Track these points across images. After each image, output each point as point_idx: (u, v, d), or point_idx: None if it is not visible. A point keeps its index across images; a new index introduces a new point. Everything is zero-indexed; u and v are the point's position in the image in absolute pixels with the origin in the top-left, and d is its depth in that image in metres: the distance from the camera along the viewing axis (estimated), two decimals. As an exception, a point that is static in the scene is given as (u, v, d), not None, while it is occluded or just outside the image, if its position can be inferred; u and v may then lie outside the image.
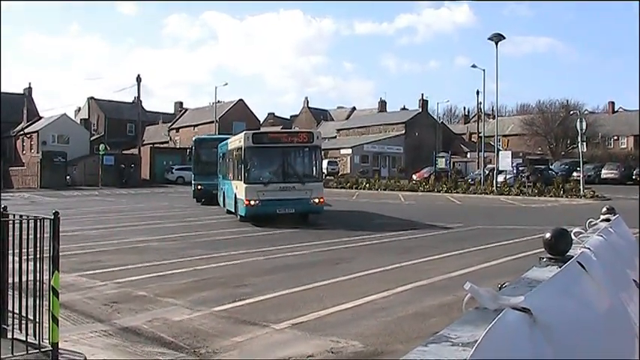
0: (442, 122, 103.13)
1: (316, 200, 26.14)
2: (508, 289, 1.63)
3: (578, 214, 5.49)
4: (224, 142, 34.07)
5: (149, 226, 26.76)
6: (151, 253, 18.64)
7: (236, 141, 28.62)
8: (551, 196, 42.71)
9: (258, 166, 26.26)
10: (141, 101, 78.75)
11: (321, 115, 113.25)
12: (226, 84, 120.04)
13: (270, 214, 25.46)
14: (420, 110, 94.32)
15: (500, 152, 53.63)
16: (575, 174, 54.25)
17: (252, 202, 25.39)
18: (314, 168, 27.07)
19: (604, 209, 4.16)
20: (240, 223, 26.91)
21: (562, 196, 42.43)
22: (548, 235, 2.27)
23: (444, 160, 66.74)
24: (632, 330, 2.32)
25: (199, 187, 39.19)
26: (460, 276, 13.77)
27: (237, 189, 27.40)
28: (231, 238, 22.29)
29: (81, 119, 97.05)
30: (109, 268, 15.70)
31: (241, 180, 26.01)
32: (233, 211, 28.71)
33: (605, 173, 64.39)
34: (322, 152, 28.15)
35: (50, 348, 7.95)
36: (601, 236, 2.97)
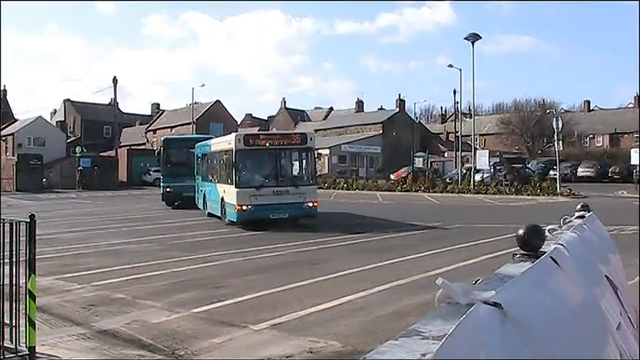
0: (419, 122, 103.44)
1: (310, 204, 25.36)
2: (481, 285, 1.65)
3: (555, 211, 5.53)
4: (204, 142, 33.60)
5: (127, 228, 26.62)
6: (128, 255, 18.55)
7: (224, 142, 27.77)
8: (528, 195, 43.02)
9: (249, 169, 25.58)
10: (117, 103, 78.35)
11: (298, 116, 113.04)
12: (203, 85, 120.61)
13: (263, 219, 24.59)
14: (398, 110, 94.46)
15: (477, 151, 53.90)
16: (551, 172, 54.62)
17: (245, 207, 24.57)
18: (308, 171, 26.57)
19: (578, 207, 4.20)
20: (218, 224, 26.84)
21: (539, 195, 42.75)
22: (521, 231, 2.29)
23: (421, 159, 66.93)
24: (604, 323, 2.34)
25: (168, 189, 37.67)
26: (439, 274, 13.76)
27: (224, 192, 26.57)
28: (209, 239, 22.24)
29: (57, 121, 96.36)
30: (87, 271, 15.62)
31: (231, 183, 25.15)
32: (218, 214, 27.90)
33: (582, 171, 64.98)
34: (315, 154, 27.41)
35: (27, 352, 7.91)
36: (575, 233, 3.00)
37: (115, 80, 71.33)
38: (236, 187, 24.70)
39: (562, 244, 2.46)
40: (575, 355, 1.71)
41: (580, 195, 40.73)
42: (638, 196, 43.01)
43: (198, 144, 35.24)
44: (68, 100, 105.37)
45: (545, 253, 2.18)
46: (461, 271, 14.32)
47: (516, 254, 2.27)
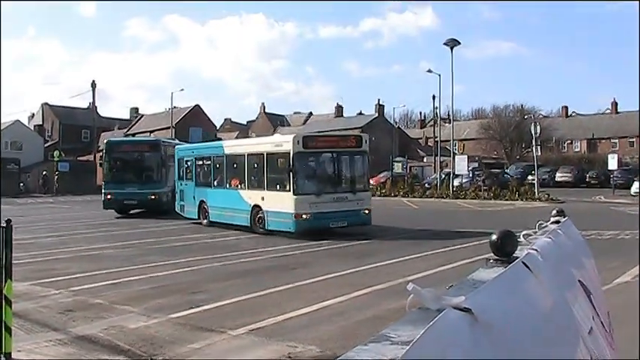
0: (399, 127, 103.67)
1: (366, 211, 24.13)
2: (453, 290, 1.66)
3: (533, 216, 5.60)
4: (203, 144, 32.88)
5: (104, 233, 26.49)
6: (106, 260, 18.46)
7: (267, 144, 25.70)
8: (506, 200, 43.27)
9: (308, 174, 23.81)
10: (96, 107, 78.09)
11: (278, 121, 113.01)
12: (182, 89, 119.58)
13: (322, 228, 23.05)
14: (377, 115, 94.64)
15: (456, 156, 54.17)
16: (530, 177, 55.02)
17: (304, 216, 22.76)
18: (363, 175, 25.20)
19: (554, 212, 4.23)
20: (196, 229, 26.81)
21: (517, 199, 43.01)
22: (494, 237, 2.30)
23: (400, 164, 66.98)
24: (575, 327, 2.37)
25: (109, 196, 34.85)
26: (418, 279, 13.85)
27: (264, 200, 24.27)
28: (187, 244, 22.18)
29: (35, 125, 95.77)
30: (64, 276, 15.52)
31: (285, 190, 23.10)
32: (231, 223, 26.20)
33: (560, 176, 65.50)
34: (369, 158, 25.63)
35: (3, 358, 7.85)
36: (549, 238, 3.02)
37: (93, 84, 71.20)
38: (294, 193, 22.80)
39: (536, 249, 2.48)
40: (544, 357, 1.73)
41: (558, 200, 41.00)
42: (615, 201, 43.46)
43: (186, 146, 34.46)
44: (46, 103, 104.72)
45: (518, 258, 2.20)
46: (438, 276, 14.35)
47: (490, 259, 2.29)
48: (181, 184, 31.68)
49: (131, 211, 35.40)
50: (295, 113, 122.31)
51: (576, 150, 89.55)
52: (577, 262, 3.44)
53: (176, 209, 32.05)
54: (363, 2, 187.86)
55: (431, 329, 1.21)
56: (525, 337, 1.67)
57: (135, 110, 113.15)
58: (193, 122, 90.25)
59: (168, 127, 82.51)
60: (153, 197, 34.63)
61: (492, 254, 2.29)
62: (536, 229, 3.40)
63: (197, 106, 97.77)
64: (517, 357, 1.53)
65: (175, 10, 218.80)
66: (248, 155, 26.29)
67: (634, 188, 50.09)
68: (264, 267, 16.95)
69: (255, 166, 25.87)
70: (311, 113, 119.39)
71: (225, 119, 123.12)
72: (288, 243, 21.39)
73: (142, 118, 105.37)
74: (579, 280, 3.09)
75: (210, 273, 16.02)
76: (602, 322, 3.28)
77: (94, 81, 70.89)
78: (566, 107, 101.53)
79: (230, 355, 8.98)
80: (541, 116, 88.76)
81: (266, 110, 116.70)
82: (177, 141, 53.31)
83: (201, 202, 29.23)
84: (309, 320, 10.74)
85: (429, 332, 1.19)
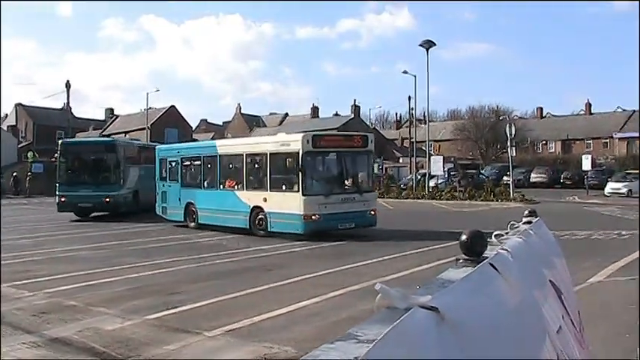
0: (375, 128, 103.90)
1: (372, 212, 23.93)
2: (421, 290, 1.69)
3: (508, 216, 5.68)
4: (190, 143, 32.29)
5: (80, 234, 26.32)
6: (81, 261, 18.35)
7: (271, 143, 24.83)
8: (482, 200, 43.46)
9: (317, 174, 23.38)
10: (71, 108, 77.42)
11: (254, 122, 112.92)
12: (158, 90, 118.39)
13: (330, 230, 22.78)
14: (353, 116, 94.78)
15: (432, 157, 54.39)
16: (505, 178, 55.29)
17: (314, 217, 22.31)
18: (370, 176, 25.12)
19: (526, 212, 4.28)
20: (172, 230, 26.73)
21: (493, 200, 43.21)
22: (464, 237, 2.34)
23: (376, 165, 67.02)
24: (542, 326, 2.41)
25: (63, 198, 33.75)
26: (394, 280, 13.94)
27: (266, 201, 23.68)
28: (163, 245, 22.11)
29: (8, 126, 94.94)
30: (39, 278, 15.42)
31: (294, 190, 22.62)
32: (226, 225, 25.40)
33: (535, 177, 66.04)
34: (374, 158, 25.18)
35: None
36: (520, 238, 3.06)
37: (68, 85, 70.46)
38: (303, 194, 22.30)
39: (506, 249, 2.52)
40: (510, 356, 1.76)
41: (533, 200, 41.29)
42: (589, 201, 43.83)
43: (170, 146, 33.67)
44: (20, 104, 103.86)
45: (488, 257, 2.24)
46: (414, 277, 14.42)
47: (459, 259, 2.32)
48: (163, 186, 30.52)
49: (91, 215, 34.48)
50: (271, 114, 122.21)
51: (551, 151, 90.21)
52: (548, 261, 3.48)
53: (157, 212, 30.99)
54: (341, 3, 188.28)
55: (396, 328, 1.24)
56: (491, 336, 1.70)
57: (110, 111, 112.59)
58: (169, 123, 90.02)
59: (144, 128, 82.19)
60: (108, 200, 33.50)
61: (462, 254, 2.32)
62: (508, 229, 3.45)
63: (173, 106, 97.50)
64: (482, 355, 1.56)
65: (152, 10, 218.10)
66: (247, 155, 25.57)
67: (608, 189, 50.67)
68: (240, 268, 16.94)
69: (256, 166, 25.29)
70: (287, 114, 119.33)
71: (201, 120, 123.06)
72: (263, 244, 21.37)
73: (117, 119, 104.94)
74: (550, 280, 3.13)
75: (186, 274, 15.99)
76: (572, 322, 3.33)
77: (68, 81, 70.05)
78: (541, 108, 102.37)
79: (206, 356, 8.98)
80: (516, 117, 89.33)
81: (242, 111, 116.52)
82: (142, 141, 52.49)
83: (189, 204, 28.34)
84: (285, 321, 10.76)
85: (394, 330, 1.22)
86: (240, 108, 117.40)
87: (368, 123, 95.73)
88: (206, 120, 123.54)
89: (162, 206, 30.63)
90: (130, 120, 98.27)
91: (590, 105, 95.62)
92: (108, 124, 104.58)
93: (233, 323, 10.47)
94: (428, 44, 49.74)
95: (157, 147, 33.29)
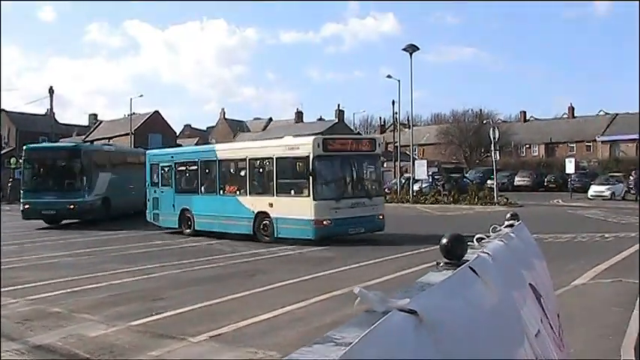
0: (359, 132, 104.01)
1: (381, 217, 23.69)
2: (401, 293, 1.70)
3: (492, 220, 5.67)
4: (186, 148, 31.89)
5: (63, 240, 26.20)
6: (65, 268, 18.27)
7: (277, 147, 24.17)
8: (466, 204, 43.60)
9: (327, 178, 22.84)
10: (54, 113, 77.12)
11: (237, 127, 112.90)
12: (142, 95, 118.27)
13: (341, 235, 22.47)
14: (337, 120, 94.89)
15: (416, 161, 54.49)
16: (489, 182, 55.54)
17: (325, 222, 21.93)
18: (377, 180, 24.84)
19: (508, 216, 4.30)
20: (154, 236, 26.61)
21: (477, 204, 43.35)
22: (444, 240, 2.35)
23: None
24: (520, 329, 2.42)
25: (27, 205, 32.78)
26: (377, 284, 13.94)
27: (272, 207, 23.19)
28: (146, 251, 22.07)
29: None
30: (21, 285, 15.32)
31: (304, 195, 22.20)
32: (226, 231, 24.92)
33: (518, 181, 66.36)
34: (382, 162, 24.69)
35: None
36: (502, 241, 3.08)
37: (51, 90, 70.16)
38: (314, 199, 21.91)
39: (487, 253, 2.53)
40: (486, 358, 1.78)
41: (517, 204, 41.42)
42: (572, 204, 44.05)
43: (162, 151, 32.98)
44: (2, 110, 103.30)
45: (468, 261, 2.25)
46: (397, 281, 14.42)
47: (440, 263, 2.33)
48: (155, 192, 29.72)
49: (61, 222, 33.77)
50: (255, 119, 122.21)
51: (534, 154, 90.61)
52: (528, 265, 3.51)
53: (148, 219, 30.20)
54: (325, 8, 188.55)
55: (373, 330, 1.25)
56: (469, 338, 1.71)
57: (94, 116, 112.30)
58: (153, 128, 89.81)
59: (128, 134, 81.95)
60: (72, 207, 32.47)
61: (443, 258, 2.33)
62: (490, 233, 3.46)
63: (156, 112, 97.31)
64: (459, 357, 1.58)
65: (136, 15, 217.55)
66: (250, 159, 24.89)
67: (591, 192, 50.98)
68: (224, 274, 16.93)
69: (260, 170, 24.86)
70: (271, 119, 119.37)
71: (185, 125, 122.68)
72: (246, 250, 21.37)
73: (101, 125, 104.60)
74: (530, 283, 3.15)
75: (170, 280, 15.95)
76: (551, 325, 3.35)
77: (51, 87, 69.72)
78: (524, 112, 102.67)
79: (190, 362, 8.97)
80: (500, 121, 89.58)
81: (226, 116, 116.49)
82: (116, 146, 51.71)
83: (184, 210, 27.64)
84: (269, 326, 10.75)
85: (371, 333, 1.23)
86: (224, 113, 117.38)
87: (352, 127, 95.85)
88: (190, 125, 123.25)
89: (154, 213, 29.78)
90: (113, 125, 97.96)
91: (573, 108, 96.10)
92: (91, 129, 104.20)
93: (217, 329, 10.45)
94: (411, 49, 49.89)
95: (147, 152, 32.58)
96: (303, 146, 22.61)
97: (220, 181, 26.35)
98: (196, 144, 72.74)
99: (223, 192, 25.94)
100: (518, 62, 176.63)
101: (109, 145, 52.36)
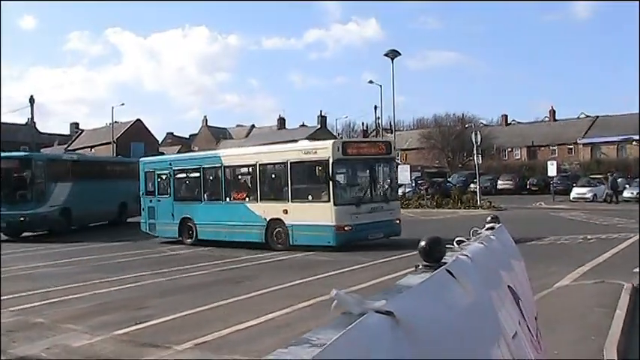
0: (341, 138, 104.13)
1: (398, 221, 23.33)
2: (379, 295, 1.72)
3: (475, 223, 5.67)
4: (185, 155, 31.18)
5: (44, 250, 26.03)
6: (47, 278, 18.16)
7: (292, 151, 23.61)
8: (449, 208, 43.69)
9: (347, 182, 22.74)
10: (35, 123, 76.73)
11: (220, 134, 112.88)
12: (123, 104, 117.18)
13: (361, 240, 22.10)
14: (319, 126, 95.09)
15: (399, 166, 54.53)
16: (472, 185, 55.82)
17: (346, 228, 21.51)
18: (393, 184, 24.40)
19: (489, 218, 4.33)
20: (139, 245, 26.48)
21: (460, 208, 43.47)
22: (422, 243, 2.37)
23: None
24: (498, 332, 2.45)
25: None
26: (363, 289, 13.94)
27: (288, 213, 22.65)
28: (130, 260, 21.98)
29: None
30: (4, 295, 15.12)
31: (325, 201, 21.64)
32: (231, 239, 24.14)
33: (501, 184, 66.69)
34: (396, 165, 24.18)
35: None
36: (481, 243, 3.11)
37: (31, 99, 69.84)
38: (335, 204, 21.47)
39: (466, 255, 2.56)
40: (461, 358, 1.80)
41: (500, 207, 41.56)
42: (555, 207, 44.29)
43: (158, 158, 32.53)
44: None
45: (446, 263, 2.28)
46: (382, 286, 14.42)
47: (419, 265, 2.36)
48: (151, 201, 28.58)
49: (21, 235, 32.31)
50: (238, 126, 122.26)
51: (517, 157, 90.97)
52: (507, 267, 3.54)
53: (142, 229, 29.18)
54: (307, 13, 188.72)
55: (349, 331, 1.27)
56: (444, 339, 1.74)
57: (75, 125, 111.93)
58: (135, 137, 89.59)
59: (109, 143, 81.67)
60: (23, 219, 31.11)
61: (422, 260, 2.36)
62: (470, 236, 3.49)
63: (138, 120, 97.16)
64: (435, 357, 1.60)
65: (118, 23, 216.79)
66: (260, 165, 24.14)
67: (573, 194, 51.27)
68: (209, 281, 16.90)
69: (273, 176, 24.35)
70: (253, 126, 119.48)
71: (168, 133, 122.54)
72: (230, 257, 21.36)
73: (83, 134, 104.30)
74: (509, 285, 3.18)
75: (155, 288, 15.91)
76: (528, 327, 3.38)
77: (32, 96, 69.43)
78: (506, 116, 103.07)
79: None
80: (481, 125, 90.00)
81: (208, 123, 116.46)
82: (80, 155, 50.56)
83: (185, 219, 26.72)
84: (254, 333, 10.74)
85: (347, 334, 1.25)
86: (206, 120, 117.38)
87: (334, 133, 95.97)
88: (172, 133, 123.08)
89: (150, 223, 28.77)
90: (95, 134, 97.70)
91: (554, 112, 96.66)
92: (73, 138, 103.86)
93: (202, 336, 10.44)
94: (393, 54, 49.91)
95: (140, 160, 31.18)
96: (321, 150, 22.19)
97: (226, 188, 25.58)
98: (179, 152, 72.70)
99: (230, 199, 25.23)
100: (499, 66, 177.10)
101: (71, 153, 50.81)
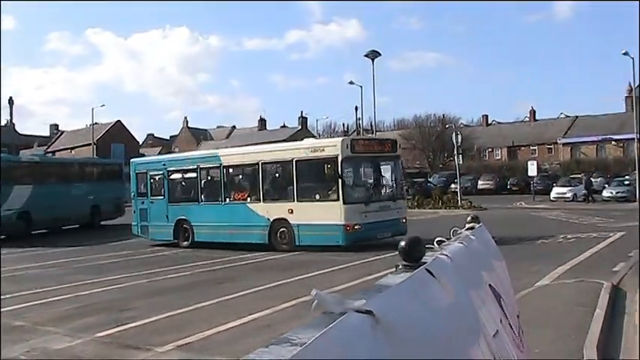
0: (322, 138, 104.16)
1: (404, 220, 23.04)
2: (359, 295, 1.74)
3: (456, 223, 5.69)
4: (181, 155, 30.56)
5: (26, 252, 25.91)
6: (29, 280, 18.08)
7: (297, 150, 23.03)
8: (430, 208, 43.84)
9: (355, 181, 22.30)
10: (14, 124, 76.33)
11: (201, 135, 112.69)
12: (103, 105, 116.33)
13: (370, 239, 21.68)
14: (300, 127, 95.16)
15: (380, 167, 54.60)
16: (453, 186, 56.00)
17: (356, 227, 21.21)
18: (399, 182, 23.92)
19: (469, 218, 4.37)
20: (120, 246, 26.41)
21: (441, 208, 43.66)
22: (402, 243, 2.40)
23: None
24: (478, 330, 2.48)
25: None
26: (345, 289, 13.96)
27: (293, 213, 22.24)
28: (113, 262, 21.91)
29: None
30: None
31: (334, 199, 21.27)
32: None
33: (482, 184, 67.01)
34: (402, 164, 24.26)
35: None
36: (462, 243, 3.14)
37: (10, 100, 69.47)
38: (345, 202, 21.09)
39: (446, 255, 2.59)
40: (441, 357, 1.83)
41: (480, 207, 41.76)
42: (535, 206, 44.53)
43: (152, 159, 32.16)
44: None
45: (426, 263, 2.31)
46: (364, 286, 14.44)
47: (399, 265, 2.38)
48: (143, 202, 27.76)
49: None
50: (218, 127, 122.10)
51: (497, 158, 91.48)
52: (488, 266, 3.57)
53: (134, 231, 28.37)
54: (289, 13, 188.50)
55: (329, 330, 1.29)
56: (424, 338, 1.77)
57: (55, 127, 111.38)
58: (115, 138, 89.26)
59: (90, 144, 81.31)
60: None
61: (401, 260, 2.38)
62: (451, 236, 3.53)
63: (119, 121, 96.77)
64: (415, 356, 1.63)
65: (98, 23, 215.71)
66: (263, 164, 23.57)
67: (553, 194, 51.59)
68: (191, 282, 16.87)
69: (276, 175, 23.86)
70: (234, 127, 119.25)
71: (148, 135, 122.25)
72: (213, 258, 21.31)
73: (63, 135, 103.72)
74: (489, 284, 3.22)
75: (137, 290, 15.86)
76: (510, 325, 3.42)
77: (11, 97, 69.17)
78: (486, 116, 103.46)
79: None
80: (462, 125, 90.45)
81: (189, 124, 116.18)
82: (43, 157, 48.72)
83: (180, 220, 26.01)
84: (236, 334, 10.73)
85: (326, 333, 1.28)
86: (187, 122, 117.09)
87: (315, 134, 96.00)
88: (153, 134, 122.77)
89: (142, 225, 27.90)
90: (75, 136, 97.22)
91: (534, 112, 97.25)
92: (53, 140, 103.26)
93: (184, 338, 10.42)
94: (373, 55, 49.97)
95: (132, 160, 30.42)
96: (330, 147, 21.83)
97: (226, 189, 24.99)
98: (159, 153, 72.44)
99: (230, 199, 24.66)
100: (480, 67, 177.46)
101: (34, 155, 49.40)
